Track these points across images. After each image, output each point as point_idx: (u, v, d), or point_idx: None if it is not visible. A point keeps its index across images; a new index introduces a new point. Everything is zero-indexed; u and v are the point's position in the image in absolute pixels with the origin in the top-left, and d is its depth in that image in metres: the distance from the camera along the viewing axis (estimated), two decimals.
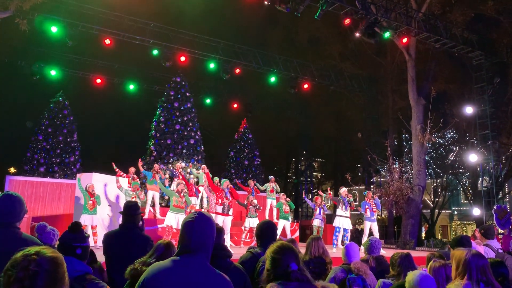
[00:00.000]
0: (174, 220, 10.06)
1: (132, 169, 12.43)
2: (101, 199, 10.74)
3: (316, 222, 12.31)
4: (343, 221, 11.79)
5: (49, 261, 1.54)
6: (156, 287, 2.02)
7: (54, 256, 1.58)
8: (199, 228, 2.13)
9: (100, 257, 4.11)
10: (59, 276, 1.55)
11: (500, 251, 5.80)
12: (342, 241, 11.71)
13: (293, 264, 2.19)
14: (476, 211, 17.95)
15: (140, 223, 4.24)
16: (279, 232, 11.69)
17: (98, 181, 11.44)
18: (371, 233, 11.53)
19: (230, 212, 10.91)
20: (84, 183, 10.69)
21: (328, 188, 14.03)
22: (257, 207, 12.06)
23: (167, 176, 14.17)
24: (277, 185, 14.46)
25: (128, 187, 11.37)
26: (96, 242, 10.29)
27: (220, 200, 10.64)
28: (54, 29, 14.11)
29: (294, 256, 2.25)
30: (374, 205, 11.71)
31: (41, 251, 1.56)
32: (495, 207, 13.27)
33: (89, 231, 10.24)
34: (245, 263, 3.31)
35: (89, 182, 10.67)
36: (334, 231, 11.94)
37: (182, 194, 10.32)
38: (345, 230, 11.82)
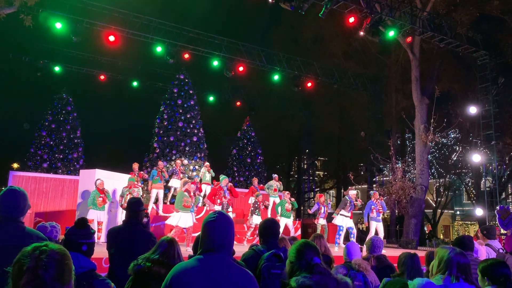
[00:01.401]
0: (179, 219, 9.74)
1: (135, 166, 12.44)
2: (111, 195, 10.69)
3: (321, 221, 12.32)
4: (346, 221, 11.75)
5: (58, 252, 1.59)
6: (183, 285, 2.08)
7: (62, 248, 1.64)
8: (221, 227, 2.22)
9: (104, 253, 4.11)
10: (67, 268, 1.60)
11: (501, 251, 5.79)
12: (349, 239, 11.67)
13: (316, 258, 2.29)
14: (479, 212, 17.91)
15: (146, 220, 4.23)
16: (280, 230, 11.70)
17: (101, 177, 11.47)
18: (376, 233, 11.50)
19: (230, 209, 10.96)
20: (88, 181, 10.68)
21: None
22: (267, 205, 12.00)
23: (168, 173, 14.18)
24: (280, 184, 14.49)
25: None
26: (99, 238, 10.30)
27: (218, 200, 10.71)
28: (58, 25, 14.13)
29: (317, 252, 2.37)
30: (381, 206, 11.66)
31: (50, 244, 1.61)
32: (498, 207, 13.22)
33: (95, 227, 10.25)
34: (248, 261, 3.32)
35: (99, 180, 10.58)
36: (337, 230, 11.89)
37: (191, 194, 10.06)
38: (350, 228, 11.75)
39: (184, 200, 9.94)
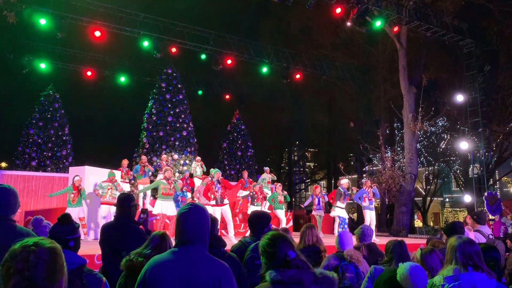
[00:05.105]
0: (161, 207, 9.73)
1: (125, 162, 12.37)
2: (86, 193, 10.54)
3: (318, 212, 12.35)
4: (341, 212, 11.66)
5: (48, 252, 1.54)
6: (157, 278, 2.04)
7: (53, 246, 1.58)
8: (194, 218, 2.17)
9: (95, 250, 4.08)
10: (58, 267, 1.55)
11: (491, 236, 5.89)
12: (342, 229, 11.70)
13: (291, 252, 2.13)
14: (467, 198, 18.14)
15: (144, 216, 4.18)
16: (282, 222, 11.73)
17: (90, 174, 11.40)
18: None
19: (225, 202, 10.85)
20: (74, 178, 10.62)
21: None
22: (265, 195, 11.97)
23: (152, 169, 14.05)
24: (273, 175, 14.55)
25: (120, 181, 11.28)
26: (86, 234, 10.22)
27: (212, 195, 10.42)
28: (42, 21, 13.90)
29: (289, 244, 2.18)
30: (372, 194, 11.66)
31: (40, 242, 1.55)
32: (486, 193, 13.39)
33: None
34: (236, 252, 3.36)
35: (78, 176, 10.49)
36: (340, 222, 11.73)
37: (170, 180, 9.93)
38: (344, 219, 11.76)
39: (161, 188, 9.84)
